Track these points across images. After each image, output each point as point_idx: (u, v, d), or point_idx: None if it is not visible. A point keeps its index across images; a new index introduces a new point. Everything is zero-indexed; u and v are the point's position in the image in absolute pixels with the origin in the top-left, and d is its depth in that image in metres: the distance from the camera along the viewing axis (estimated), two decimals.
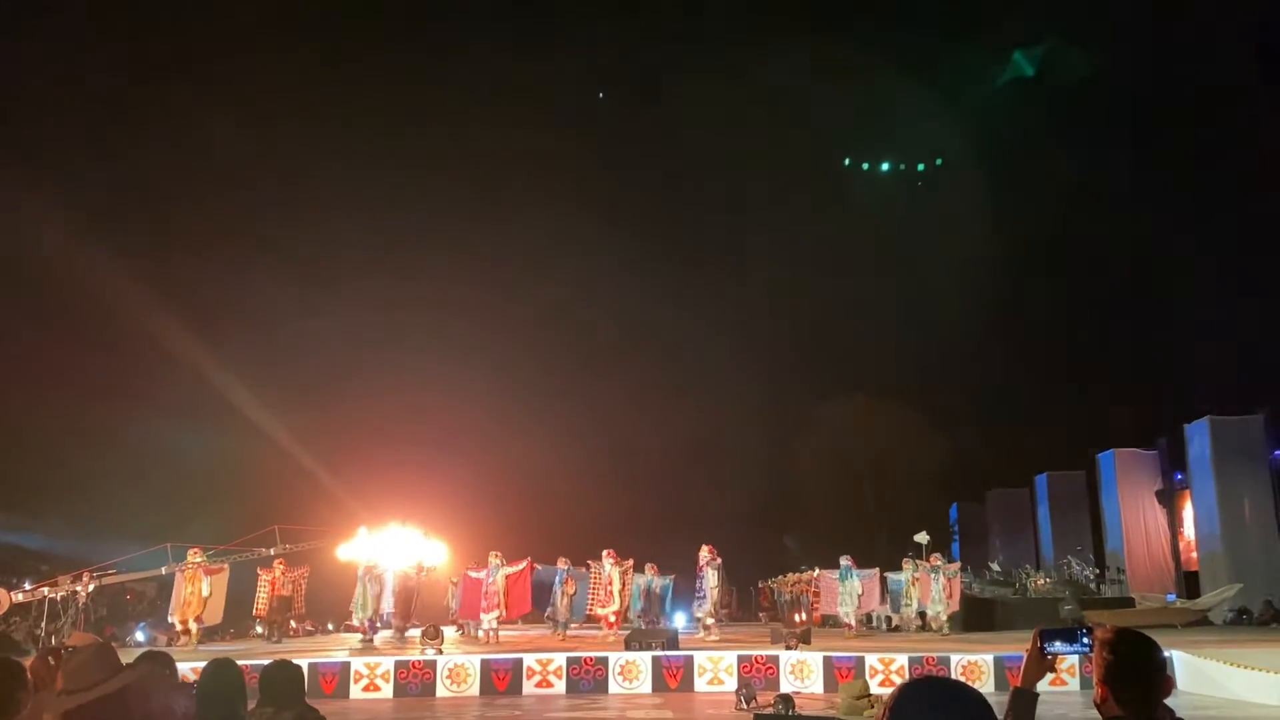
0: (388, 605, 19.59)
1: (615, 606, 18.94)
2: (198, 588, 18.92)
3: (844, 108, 35.41)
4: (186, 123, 32.62)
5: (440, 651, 15.47)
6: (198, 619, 18.90)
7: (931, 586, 20.44)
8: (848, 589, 20.10)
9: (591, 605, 19.74)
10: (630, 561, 19.63)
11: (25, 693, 2.86)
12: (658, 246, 37.03)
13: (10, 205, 25.68)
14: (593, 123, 38.34)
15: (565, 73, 36.15)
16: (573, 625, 20.42)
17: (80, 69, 31.06)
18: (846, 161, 38.49)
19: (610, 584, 18.99)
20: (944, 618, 20.20)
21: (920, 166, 38.06)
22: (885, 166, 38.43)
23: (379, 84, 35.07)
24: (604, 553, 19.40)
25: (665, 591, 20.98)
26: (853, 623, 20.15)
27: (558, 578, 19.57)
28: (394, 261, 35.56)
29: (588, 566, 19.89)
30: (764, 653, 14.86)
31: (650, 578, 20.23)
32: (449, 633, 19.28)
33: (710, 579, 18.59)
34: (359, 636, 19.45)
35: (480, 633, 19.25)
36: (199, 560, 19.39)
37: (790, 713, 11.21)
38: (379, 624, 19.91)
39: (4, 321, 28.18)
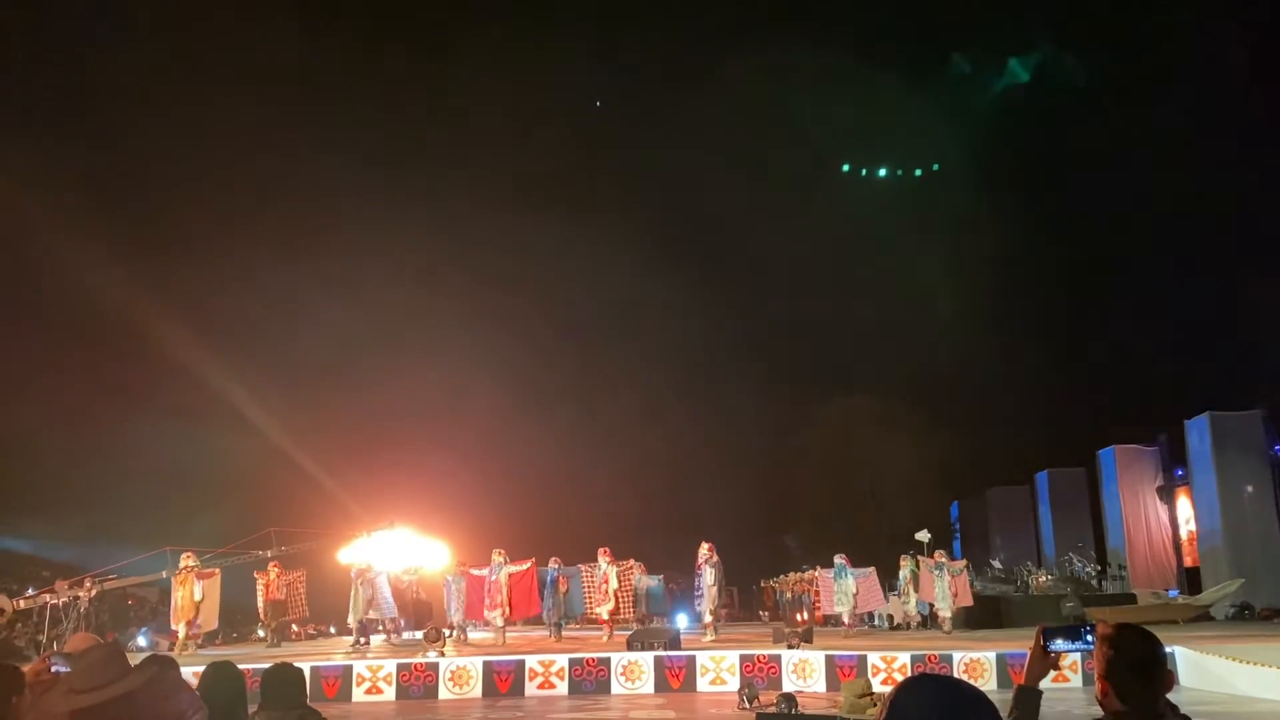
0: (388, 610, 19.49)
1: (610, 605, 18.91)
2: (189, 591, 18.89)
3: (841, 114, 35.61)
4: (184, 119, 32.62)
5: (442, 654, 15.47)
6: (190, 623, 18.87)
7: (935, 584, 20.41)
8: (842, 587, 20.09)
9: (589, 605, 19.73)
10: (630, 561, 19.60)
11: (20, 698, 2.86)
12: (657, 249, 37.10)
13: (5, 204, 25.68)
14: (593, 128, 38.48)
15: (565, 78, 36.24)
16: (572, 624, 20.36)
17: (78, 65, 31.10)
18: (845, 167, 38.73)
19: (606, 583, 18.96)
20: (948, 614, 20.18)
21: (917, 172, 38.29)
22: (882, 172, 38.70)
23: (380, 84, 35.14)
24: (599, 551, 19.39)
25: (655, 591, 20.97)
26: (848, 620, 20.14)
27: (549, 577, 19.56)
28: (392, 262, 35.60)
29: (579, 567, 19.88)
30: (766, 652, 14.85)
31: (639, 577, 20.23)
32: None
33: (708, 577, 18.55)
34: (351, 639, 19.40)
35: (492, 633, 19.24)
36: (192, 564, 19.37)
37: (793, 712, 11.20)
38: (375, 628, 19.85)
39: (2, 326, 28.17)
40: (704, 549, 18.67)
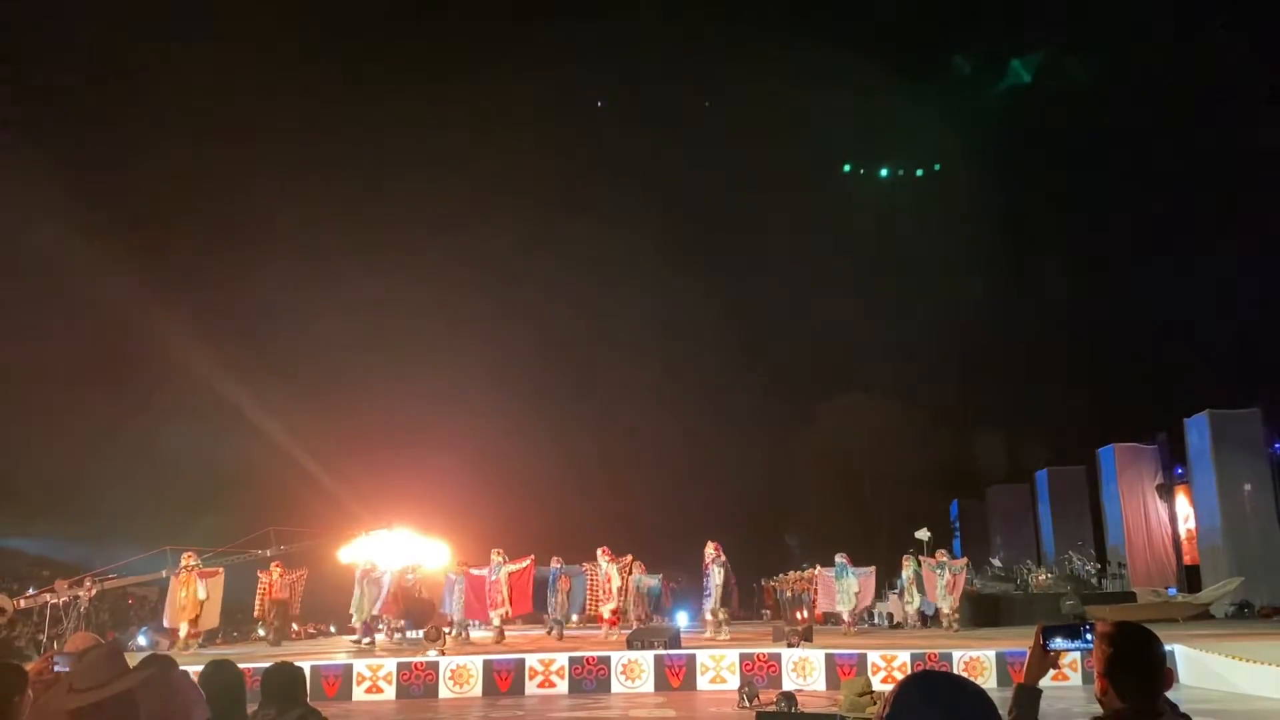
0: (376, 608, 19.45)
1: (614, 604, 18.92)
2: (192, 591, 18.88)
3: (843, 114, 35.71)
4: (188, 123, 32.67)
5: (443, 652, 15.47)
6: (193, 623, 18.85)
7: (936, 583, 20.41)
8: (844, 586, 20.09)
9: (592, 604, 19.74)
10: (629, 558, 19.59)
11: (23, 697, 2.86)
12: (658, 250, 37.12)
13: (12, 205, 25.69)
14: (593, 130, 38.53)
15: (565, 80, 36.29)
16: (572, 622, 20.39)
17: (83, 69, 31.10)
18: (846, 167, 38.86)
19: (609, 581, 18.97)
20: (948, 611, 20.19)
21: (919, 172, 38.37)
22: (884, 172, 38.79)
23: (382, 88, 35.13)
24: (599, 550, 19.39)
25: (655, 590, 20.98)
26: (848, 619, 20.15)
27: (551, 576, 19.56)
28: (393, 264, 35.60)
29: (582, 566, 19.90)
30: (766, 651, 14.86)
31: (639, 576, 20.24)
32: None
33: (715, 576, 18.55)
34: (353, 639, 19.39)
35: (491, 631, 19.27)
36: (194, 564, 19.36)
37: (793, 710, 11.21)
38: (377, 626, 19.85)
39: (3, 324, 28.16)
40: (710, 549, 18.66)
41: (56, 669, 3.23)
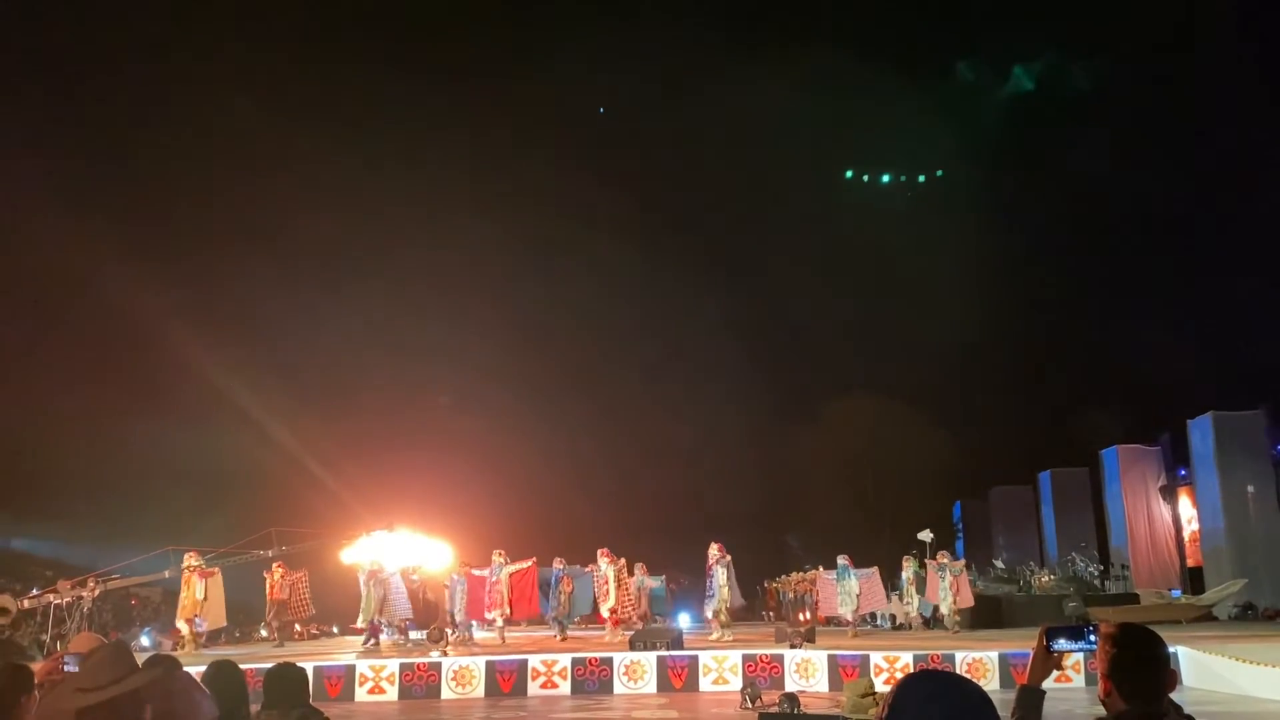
0: (401, 609, 19.44)
1: (610, 604, 18.94)
2: (191, 591, 18.99)
3: (845, 120, 35.74)
4: (193, 125, 32.73)
5: (445, 653, 15.47)
6: (191, 621, 18.93)
7: (938, 584, 20.40)
8: (845, 588, 20.09)
9: (598, 604, 19.79)
10: (623, 560, 19.63)
11: (28, 697, 2.87)
12: (659, 254, 37.12)
13: (14, 205, 25.74)
14: (595, 136, 38.58)
15: (567, 86, 36.35)
16: (574, 623, 20.44)
17: (85, 68, 31.14)
18: (849, 174, 38.98)
19: (606, 582, 19.00)
20: (947, 612, 20.19)
21: (921, 178, 38.45)
22: (886, 178, 38.86)
23: (385, 90, 35.14)
24: (599, 551, 19.41)
25: (658, 592, 20.90)
26: (850, 619, 20.17)
27: (554, 577, 19.59)
28: (396, 266, 35.62)
29: (586, 567, 19.92)
30: (769, 652, 14.86)
31: (641, 578, 20.18)
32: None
33: (719, 576, 18.53)
34: (360, 639, 19.41)
35: (493, 631, 19.29)
36: (195, 564, 19.43)
37: (795, 711, 11.21)
38: (382, 627, 19.86)
39: (6, 325, 28.21)
40: (714, 549, 18.65)
41: (66, 669, 3.25)
